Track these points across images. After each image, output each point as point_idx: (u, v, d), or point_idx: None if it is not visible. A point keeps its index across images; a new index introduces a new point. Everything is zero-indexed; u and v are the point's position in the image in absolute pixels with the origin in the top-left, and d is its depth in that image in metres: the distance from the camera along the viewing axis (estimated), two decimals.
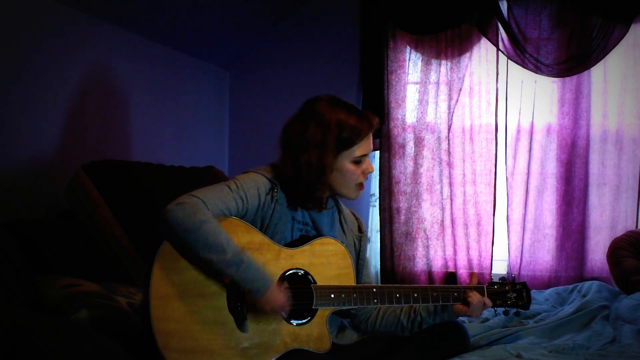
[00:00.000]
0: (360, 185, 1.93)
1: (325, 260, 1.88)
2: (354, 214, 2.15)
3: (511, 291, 2.04)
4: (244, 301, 1.74)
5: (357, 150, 1.87)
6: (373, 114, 1.93)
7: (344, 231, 2.05)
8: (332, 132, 1.83)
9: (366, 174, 1.92)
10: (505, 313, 2.06)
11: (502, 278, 2.08)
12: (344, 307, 1.90)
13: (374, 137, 3.91)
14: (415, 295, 1.94)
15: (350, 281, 1.92)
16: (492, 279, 2.45)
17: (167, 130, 3.64)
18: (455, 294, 1.98)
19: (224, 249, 1.66)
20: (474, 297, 1.96)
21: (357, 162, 1.89)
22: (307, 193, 1.88)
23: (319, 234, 1.95)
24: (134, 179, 2.70)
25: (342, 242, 1.97)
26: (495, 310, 2.06)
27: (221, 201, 1.75)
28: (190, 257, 1.70)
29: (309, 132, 1.84)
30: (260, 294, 1.70)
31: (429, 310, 2.01)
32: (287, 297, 1.76)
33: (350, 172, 1.88)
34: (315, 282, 1.85)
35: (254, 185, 1.84)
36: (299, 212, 1.93)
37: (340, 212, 2.06)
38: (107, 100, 3.12)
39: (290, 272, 1.83)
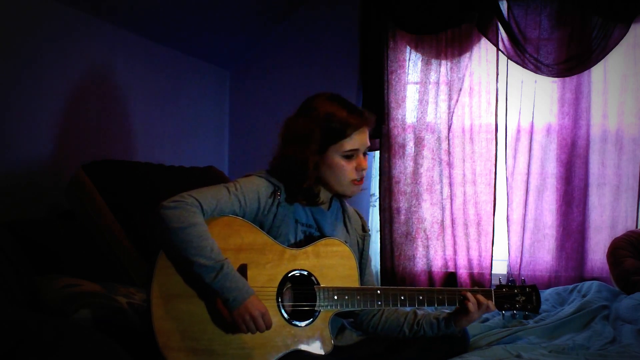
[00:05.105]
0: (355, 182, 1.89)
1: (329, 262, 1.86)
2: (358, 213, 2.14)
3: (520, 294, 2.00)
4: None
5: (346, 144, 1.83)
6: (369, 112, 1.90)
7: (347, 230, 2.03)
8: (319, 124, 1.81)
9: (359, 170, 1.87)
10: (513, 316, 2.03)
11: (512, 280, 2.04)
12: (347, 309, 1.88)
13: (374, 137, 3.96)
14: (421, 297, 1.91)
15: (354, 282, 1.90)
16: (492, 279, 2.44)
17: (167, 130, 3.63)
18: (462, 297, 1.96)
19: (206, 254, 1.64)
20: (471, 306, 1.93)
21: (348, 157, 1.85)
22: (296, 186, 1.86)
23: (322, 235, 1.93)
24: (134, 178, 2.70)
25: (345, 241, 1.95)
26: (503, 314, 2.02)
27: (217, 202, 1.74)
28: (173, 256, 1.68)
29: (296, 125, 1.84)
30: (235, 306, 1.65)
31: (432, 325, 2.00)
32: (265, 312, 1.69)
33: (340, 167, 1.85)
34: (318, 284, 1.84)
35: (255, 189, 1.83)
36: (302, 214, 1.91)
37: (344, 211, 2.05)
38: (107, 100, 3.12)
39: (294, 273, 1.82)
